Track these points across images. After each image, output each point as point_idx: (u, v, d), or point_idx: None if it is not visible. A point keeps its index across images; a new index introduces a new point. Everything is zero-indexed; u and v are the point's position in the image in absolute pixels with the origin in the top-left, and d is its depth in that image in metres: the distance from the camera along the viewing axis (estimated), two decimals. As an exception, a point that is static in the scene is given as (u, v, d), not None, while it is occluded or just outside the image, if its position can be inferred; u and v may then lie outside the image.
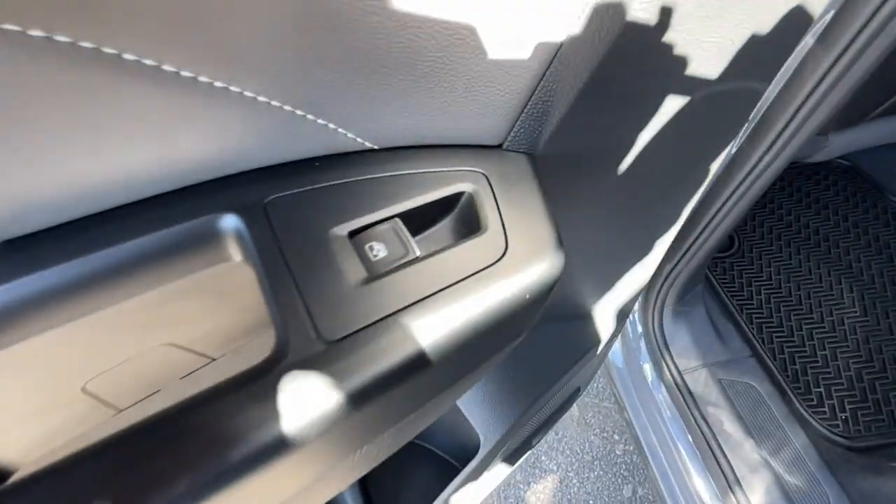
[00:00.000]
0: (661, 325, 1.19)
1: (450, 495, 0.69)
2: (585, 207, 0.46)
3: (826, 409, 1.13)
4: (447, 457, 0.74)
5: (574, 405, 2.02)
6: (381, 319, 0.29)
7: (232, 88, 0.27)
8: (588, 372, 0.88)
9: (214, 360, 0.44)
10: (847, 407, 1.13)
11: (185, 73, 0.25)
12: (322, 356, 0.27)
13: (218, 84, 0.26)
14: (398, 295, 0.30)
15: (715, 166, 0.55)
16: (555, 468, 1.93)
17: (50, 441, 0.37)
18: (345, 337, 0.28)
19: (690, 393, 1.15)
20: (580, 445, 2.00)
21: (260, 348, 0.32)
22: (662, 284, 1.13)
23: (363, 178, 0.33)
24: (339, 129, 0.32)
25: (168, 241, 0.31)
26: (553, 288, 0.34)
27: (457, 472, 0.68)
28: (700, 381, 1.16)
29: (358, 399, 0.27)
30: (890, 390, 1.14)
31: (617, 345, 1.26)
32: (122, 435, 0.26)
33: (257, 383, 0.26)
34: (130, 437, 0.25)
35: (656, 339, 1.20)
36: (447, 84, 0.31)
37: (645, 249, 0.62)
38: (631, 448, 1.93)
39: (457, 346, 0.30)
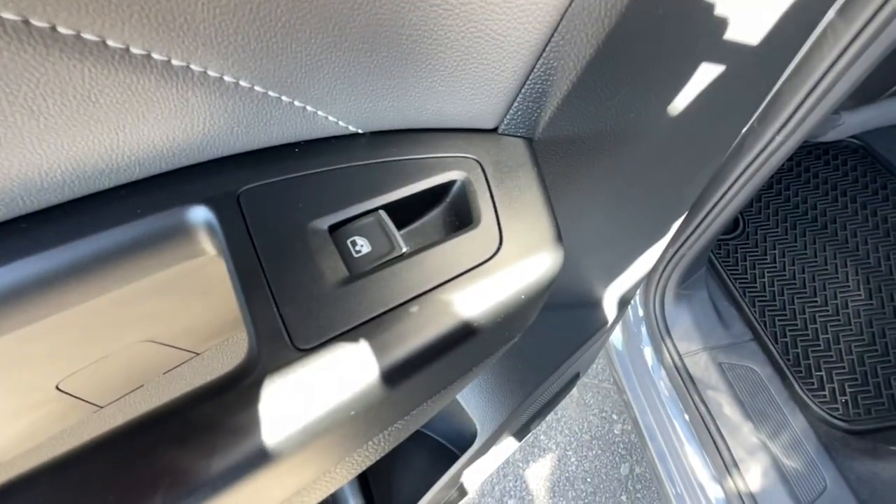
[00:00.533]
0: (662, 309, 1.17)
1: (447, 480, 0.69)
2: (589, 194, 0.43)
3: (826, 392, 1.13)
4: (445, 442, 0.74)
5: (575, 387, 2.03)
6: (363, 324, 0.27)
7: (193, 67, 0.24)
8: (589, 357, 0.87)
9: (199, 354, 0.43)
10: (847, 390, 1.12)
11: (135, 51, 0.22)
12: (295, 366, 0.25)
13: (176, 62, 0.23)
14: (382, 295, 0.28)
15: (728, 149, 0.52)
16: (553, 447, 1.95)
17: (23, 442, 0.35)
18: (322, 344, 0.26)
19: (690, 376, 1.14)
20: (579, 425, 2.01)
21: (242, 346, 0.30)
22: (665, 268, 1.11)
23: (345, 165, 0.30)
24: (319, 112, 0.29)
25: (134, 236, 0.28)
26: (551, 285, 0.31)
27: (454, 457, 0.68)
28: (700, 364, 1.15)
29: (336, 411, 0.25)
30: (891, 374, 1.13)
31: (617, 328, 1.25)
32: (97, 442, 0.24)
33: (228, 395, 0.24)
34: (97, 450, 0.23)
35: (657, 323, 1.18)
36: (435, 61, 0.28)
37: (651, 235, 0.60)
38: (629, 428, 1.95)
39: (446, 350, 0.28)
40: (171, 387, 0.41)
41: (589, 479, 1.88)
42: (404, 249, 0.29)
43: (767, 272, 1.32)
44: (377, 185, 0.30)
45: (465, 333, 0.28)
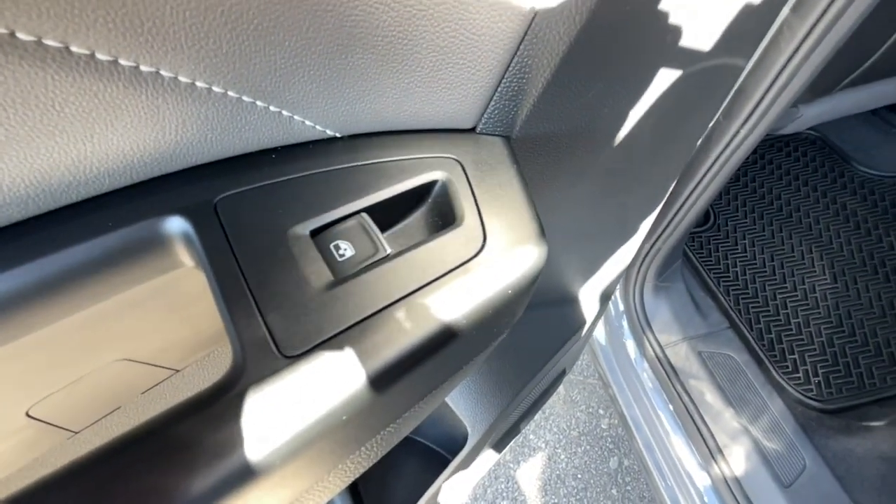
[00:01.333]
0: (642, 302, 1.19)
1: (440, 485, 0.68)
2: (567, 190, 0.44)
3: (800, 374, 1.17)
4: (436, 447, 0.73)
5: (561, 384, 2.04)
6: (350, 327, 0.26)
7: (163, 73, 0.23)
8: (573, 354, 0.88)
9: (178, 371, 0.41)
10: (819, 371, 1.17)
11: (101, 57, 0.21)
12: (283, 373, 0.24)
13: (144, 68, 0.22)
14: (368, 298, 0.27)
15: (697, 142, 0.54)
16: (543, 445, 1.96)
17: (-6, 474, 0.33)
18: (309, 350, 0.25)
19: (672, 366, 1.16)
20: (566, 422, 2.03)
21: (226, 359, 0.29)
22: (643, 262, 1.13)
23: (324, 170, 0.30)
24: (295, 117, 0.28)
25: (106, 250, 0.27)
26: (537, 280, 0.32)
27: (446, 462, 0.67)
28: (681, 354, 1.18)
29: (328, 417, 0.25)
30: (859, 353, 1.18)
31: (600, 323, 1.27)
32: (72, 468, 0.23)
33: (214, 406, 0.23)
34: (73, 477, 0.22)
35: (638, 317, 1.21)
36: (411, 62, 0.28)
37: (628, 229, 0.61)
38: (616, 422, 1.97)
39: (436, 349, 0.28)
40: (151, 406, 0.40)
41: (579, 476, 1.90)
42: (388, 251, 0.29)
43: (739, 262, 1.36)
44: (358, 188, 0.30)
45: (453, 331, 0.28)
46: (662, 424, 1.16)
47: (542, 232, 0.32)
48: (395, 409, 0.29)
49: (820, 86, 1.06)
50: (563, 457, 1.91)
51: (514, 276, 0.30)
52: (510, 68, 0.31)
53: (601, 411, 1.98)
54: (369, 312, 0.27)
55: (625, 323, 1.22)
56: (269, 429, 0.23)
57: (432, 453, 0.73)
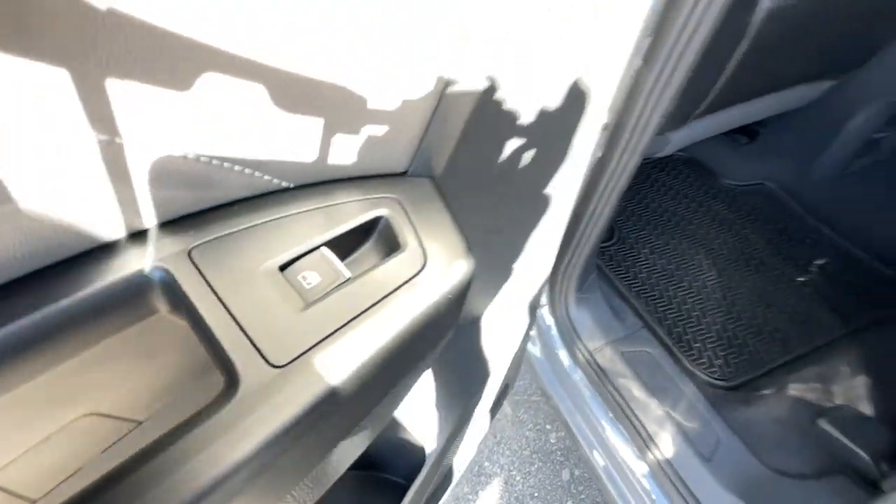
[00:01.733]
0: (567, 314, 1.32)
1: None
2: (486, 217, 0.53)
3: (705, 360, 1.34)
4: (401, 481, 0.75)
5: (507, 406, 2.11)
6: (325, 339, 0.32)
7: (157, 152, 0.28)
8: (514, 367, 0.96)
9: (141, 423, 0.42)
10: (719, 355, 1.35)
11: (100, 137, 0.26)
12: (275, 381, 0.29)
13: (119, 141, 0.27)
14: (336, 314, 0.33)
15: (580, 170, 0.66)
16: (498, 470, 1.99)
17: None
18: (292, 361, 0.30)
19: (601, 369, 1.28)
20: (518, 443, 2.08)
21: (191, 402, 0.32)
22: (562, 278, 1.26)
23: (284, 215, 0.35)
24: (256, 173, 0.34)
25: (83, 304, 0.30)
26: (469, 287, 0.39)
27: (405, 490, 0.70)
28: (607, 357, 1.31)
29: (312, 416, 0.29)
30: (746, 335, 1.39)
31: (535, 339, 1.37)
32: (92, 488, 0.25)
33: (215, 417, 0.27)
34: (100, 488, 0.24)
35: (566, 327, 1.33)
36: (350, 123, 0.35)
37: (541, 246, 0.71)
38: (563, 434, 2.06)
39: (396, 350, 0.34)
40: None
41: (536, 494, 1.94)
42: (348, 276, 0.35)
43: (644, 269, 1.56)
44: (315, 228, 0.35)
45: (409, 334, 0.34)
46: (600, 423, 1.26)
47: (469, 250, 0.39)
48: (370, 402, 0.34)
49: (678, 117, 1.30)
50: (518, 478, 1.95)
51: (451, 285, 0.37)
52: (430, 125, 0.39)
53: (548, 426, 2.07)
54: (339, 325, 0.32)
55: (555, 335, 1.33)
56: (267, 429, 0.27)
57: (398, 487, 0.75)
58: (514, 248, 0.65)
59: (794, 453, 1.13)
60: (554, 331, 1.34)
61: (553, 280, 1.27)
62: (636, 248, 1.63)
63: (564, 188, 0.70)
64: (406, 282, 0.36)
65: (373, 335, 0.32)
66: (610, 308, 1.41)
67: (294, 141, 0.34)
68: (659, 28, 0.75)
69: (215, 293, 0.30)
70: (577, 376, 1.32)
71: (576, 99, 0.54)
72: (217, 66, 0.27)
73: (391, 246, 0.38)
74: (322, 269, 0.34)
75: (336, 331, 0.32)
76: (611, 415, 1.22)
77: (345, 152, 0.36)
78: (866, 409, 1.19)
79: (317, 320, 0.32)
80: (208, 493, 0.24)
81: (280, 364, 0.29)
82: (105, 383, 0.36)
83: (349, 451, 0.34)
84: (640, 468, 1.17)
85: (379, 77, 0.35)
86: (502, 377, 0.88)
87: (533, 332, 1.36)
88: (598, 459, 1.26)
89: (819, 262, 1.59)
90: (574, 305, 1.34)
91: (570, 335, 1.32)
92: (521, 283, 0.72)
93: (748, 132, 1.91)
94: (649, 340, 1.35)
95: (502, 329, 0.73)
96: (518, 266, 0.70)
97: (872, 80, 1.51)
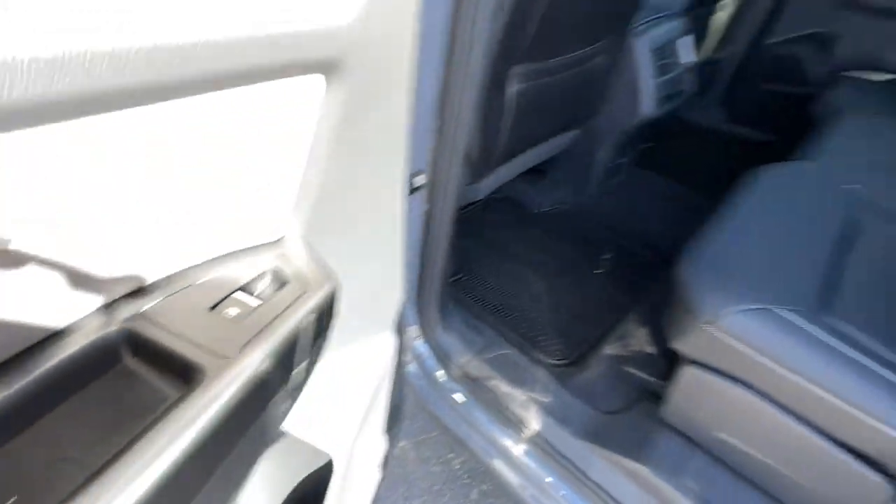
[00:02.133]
0: (436, 339, 1.55)
1: None
2: (343, 256, 0.74)
3: (547, 348, 1.70)
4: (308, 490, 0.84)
5: (410, 450, 2.21)
6: (249, 342, 0.48)
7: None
8: (397, 388, 1.14)
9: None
10: (556, 341, 1.72)
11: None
12: (231, 366, 0.44)
13: None
14: (255, 325, 0.50)
15: (415, 221, 0.92)
16: (413, 513, 2.03)
17: None
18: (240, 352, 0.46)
19: (473, 378, 1.53)
20: (426, 481, 2.17)
21: None
22: (426, 312, 1.51)
23: (206, 279, 0.51)
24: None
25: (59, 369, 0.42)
26: (338, 300, 0.58)
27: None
28: (475, 366, 1.57)
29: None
30: (570, 322, 1.80)
31: (415, 369, 1.57)
32: None
33: (193, 395, 0.40)
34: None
35: (439, 351, 1.56)
36: (224, 207, 0.54)
37: (388, 277, 0.94)
38: (464, 457, 2.22)
39: (297, 340, 0.51)
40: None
41: (451, 525, 2.02)
42: (257, 304, 0.51)
43: (489, 290, 1.90)
44: (232, 280, 0.52)
45: (304, 330, 0.52)
46: (490, 433, 1.49)
47: (334, 274, 0.59)
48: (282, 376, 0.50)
49: (481, 170, 1.71)
50: (432, 514, 2.03)
51: (325, 296, 0.56)
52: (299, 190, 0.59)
53: (450, 454, 2.21)
54: (258, 331, 0.49)
55: (431, 360, 1.55)
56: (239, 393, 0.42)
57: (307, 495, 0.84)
58: (370, 278, 0.86)
59: (617, 396, 1.51)
60: (429, 357, 1.55)
61: (421, 314, 1.51)
62: (482, 275, 1.98)
63: (395, 235, 0.95)
64: (294, 301, 0.54)
65: (279, 334, 0.50)
66: (469, 327, 1.70)
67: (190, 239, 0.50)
68: (441, 112, 1.08)
69: (170, 331, 0.44)
70: (457, 393, 1.54)
71: (394, 170, 0.80)
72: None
73: (284, 282, 0.56)
74: (239, 304, 0.50)
75: (259, 333, 0.48)
76: (493, 420, 1.46)
77: (223, 230, 0.54)
78: (653, 350, 1.65)
79: (242, 330, 0.48)
80: None
81: (231, 356, 0.45)
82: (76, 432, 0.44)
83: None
84: (527, 458, 1.41)
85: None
86: (387, 397, 1.06)
87: (414, 364, 1.56)
88: (487, 456, 1.47)
89: (606, 257, 2.14)
90: (441, 332, 1.59)
91: (443, 357, 1.55)
92: (380, 305, 0.93)
93: (539, 171, 2.49)
94: (504, 344, 1.66)
95: (377, 349, 0.92)
96: (378, 294, 0.91)
97: (602, 127, 2.17)
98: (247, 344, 0.46)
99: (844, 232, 1.31)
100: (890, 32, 2.37)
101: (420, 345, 1.55)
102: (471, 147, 1.55)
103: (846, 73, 2.45)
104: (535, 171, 2.47)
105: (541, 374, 1.56)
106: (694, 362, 1.17)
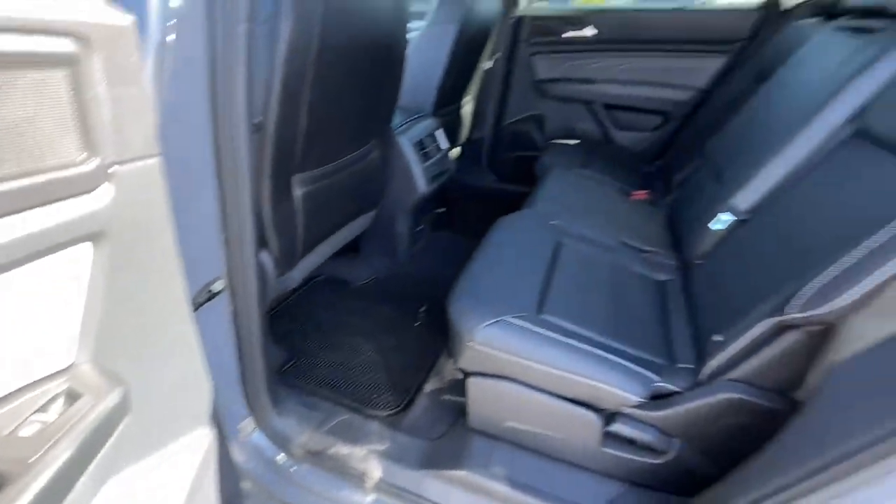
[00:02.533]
0: (272, 426, 1.64)
1: None
2: (136, 368, 0.87)
3: (378, 402, 1.92)
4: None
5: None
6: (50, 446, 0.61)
7: None
8: (228, 480, 1.22)
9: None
10: (385, 395, 1.96)
11: None
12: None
13: None
14: (51, 437, 0.62)
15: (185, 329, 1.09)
16: None
17: None
18: None
19: (317, 453, 1.65)
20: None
21: None
22: (256, 400, 1.60)
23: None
24: None
25: None
26: (127, 402, 0.73)
27: None
28: (317, 440, 1.69)
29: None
30: (397, 374, 2.07)
31: (254, 462, 1.61)
32: None
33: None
34: None
35: (276, 437, 1.64)
36: (16, 350, 0.66)
37: (190, 376, 1.08)
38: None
39: (89, 443, 0.65)
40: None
41: None
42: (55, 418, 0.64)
43: (322, 366, 2.06)
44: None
45: (96, 432, 0.66)
46: (331, 493, 1.57)
47: (123, 381, 0.74)
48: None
49: (290, 260, 1.93)
50: None
51: (113, 403, 0.71)
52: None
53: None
54: (53, 441, 0.62)
55: (269, 448, 1.63)
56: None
57: None
58: (169, 390, 0.99)
59: (441, 423, 1.80)
60: (268, 445, 1.63)
61: (251, 406, 1.60)
62: (313, 354, 2.13)
63: (190, 340, 1.10)
64: (87, 412, 0.67)
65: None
66: (306, 406, 1.83)
67: None
68: (225, 226, 1.28)
69: None
70: (302, 470, 1.63)
71: (174, 290, 0.98)
72: None
73: (74, 398, 0.69)
74: (36, 423, 0.63)
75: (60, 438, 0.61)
76: (332, 479, 1.59)
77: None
78: (459, 376, 2.02)
79: (40, 442, 0.60)
80: None
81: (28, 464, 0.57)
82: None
83: None
84: (367, 500, 1.56)
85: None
86: (215, 490, 1.14)
87: (252, 457, 1.61)
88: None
89: (422, 310, 2.51)
90: (275, 418, 1.68)
91: (281, 441, 1.64)
92: (186, 408, 1.06)
93: (354, 248, 2.81)
94: (340, 412, 1.83)
95: (185, 444, 1.03)
96: (176, 397, 1.03)
97: (392, 205, 2.61)
98: (44, 452, 0.59)
99: (553, 254, 1.89)
100: (572, 113, 3.48)
101: (256, 436, 1.62)
102: (272, 246, 1.78)
103: (553, 141, 3.47)
104: (351, 249, 2.78)
105: (375, 427, 1.77)
106: (473, 373, 1.53)
